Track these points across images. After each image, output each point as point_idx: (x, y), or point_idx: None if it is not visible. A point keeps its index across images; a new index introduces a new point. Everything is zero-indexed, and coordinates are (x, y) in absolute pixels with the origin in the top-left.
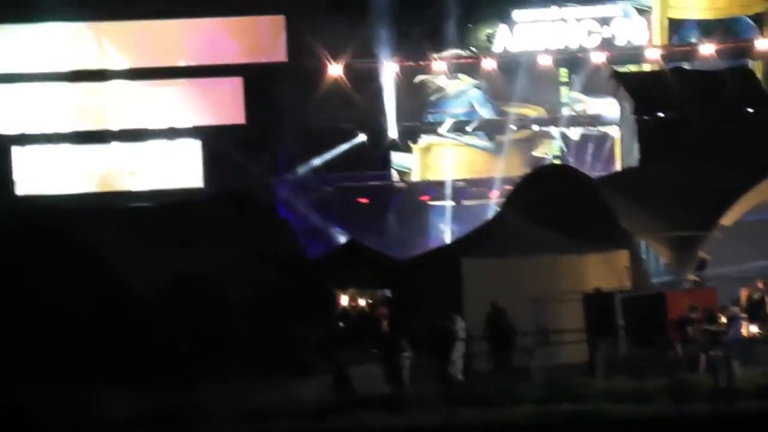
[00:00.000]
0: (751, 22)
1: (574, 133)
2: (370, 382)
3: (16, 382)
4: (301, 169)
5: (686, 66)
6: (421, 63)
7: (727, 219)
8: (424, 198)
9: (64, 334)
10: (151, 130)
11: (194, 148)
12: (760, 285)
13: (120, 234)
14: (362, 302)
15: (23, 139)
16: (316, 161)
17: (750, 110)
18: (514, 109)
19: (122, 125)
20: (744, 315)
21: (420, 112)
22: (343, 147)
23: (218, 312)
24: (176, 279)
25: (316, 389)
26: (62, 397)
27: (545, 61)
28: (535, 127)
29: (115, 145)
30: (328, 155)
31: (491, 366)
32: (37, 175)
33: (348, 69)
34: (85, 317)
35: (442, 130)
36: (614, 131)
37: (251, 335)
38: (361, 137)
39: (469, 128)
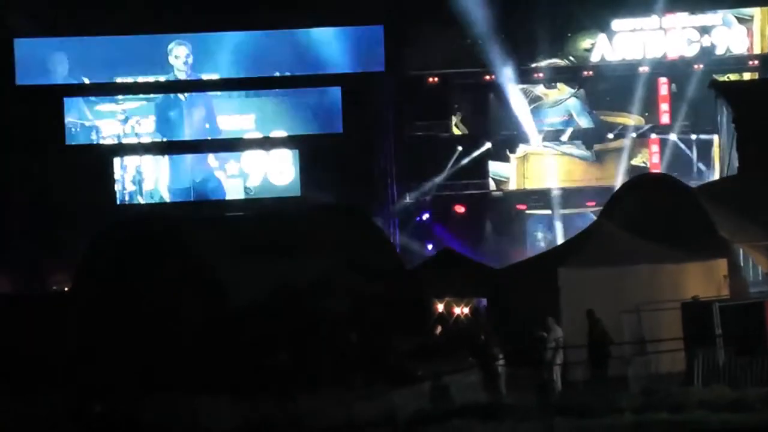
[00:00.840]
0: None
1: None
2: (468, 390)
3: (122, 391)
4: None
5: None
6: (521, 72)
7: None
8: (522, 207)
9: (167, 344)
10: (247, 139)
11: (291, 157)
12: None
13: (220, 243)
14: (458, 311)
15: (122, 150)
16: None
17: None
18: (613, 118)
19: (220, 135)
20: None
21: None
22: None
23: (318, 322)
24: (277, 289)
25: (413, 398)
26: (165, 407)
27: (644, 69)
28: (633, 136)
29: (212, 156)
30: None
31: (589, 375)
32: (137, 184)
33: (446, 78)
34: (188, 327)
35: (539, 139)
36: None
37: (350, 345)
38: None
39: (565, 137)
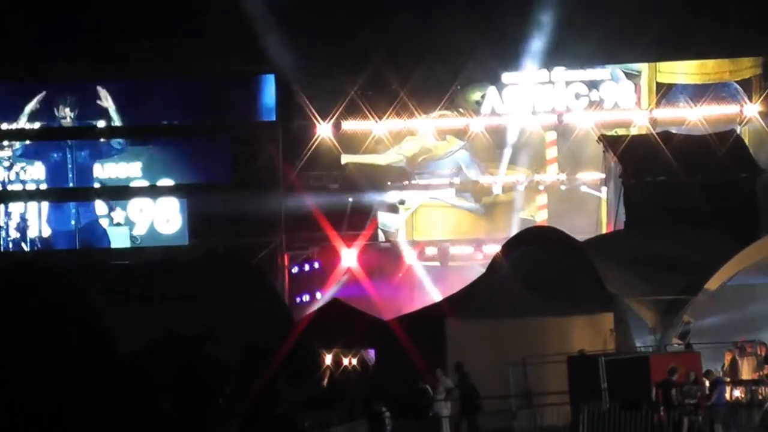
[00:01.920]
0: (739, 87)
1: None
2: None
3: None
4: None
5: (674, 130)
6: (409, 124)
7: (712, 283)
8: (411, 258)
9: (52, 393)
10: (134, 187)
11: (178, 205)
12: (735, 352)
13: (106, 291)
14: (346, 362)
15: (7, 196)
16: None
17: (737, 176)
18: (501, 171)
19: (106, 182)
20: (727, 379)
21: (407, 172)
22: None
23: (205, 370)
24: (162, 337)
25: None
26: None
27: (533, 123)
28: (521, 189)
29: (98, 203)
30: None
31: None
32: (21, 231)
33: (337, 129)
34: (70, 375)
35: (428, 191)
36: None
37: (237, 395)
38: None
39: (453, 190)
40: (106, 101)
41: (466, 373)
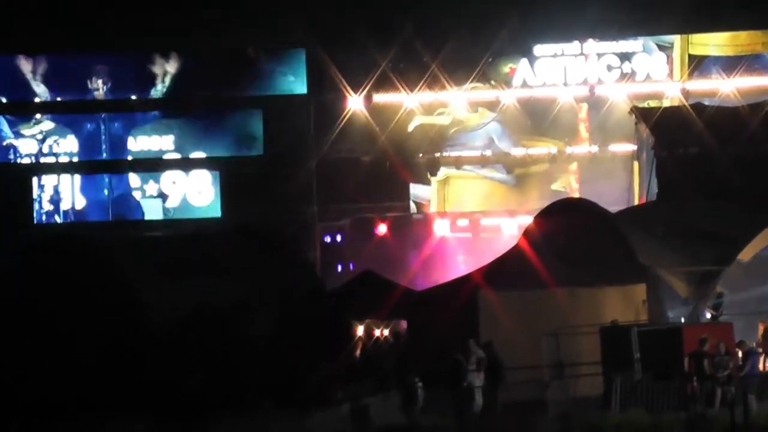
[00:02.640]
0: None
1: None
2: (388, 412)
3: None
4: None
5: (706, 102)
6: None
7: (745, 254)
8: (441, 230)
9: (87, 365)
10: (167, 160)
11: (211, 178)
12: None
13: (139, 264)
14: (378, 333)
15: (40, 169)
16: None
17: None
18: (533, 143)
19: (139, 155)
20: (760, 350)
21: (439, 144)
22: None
23: (237, 344)
24: (195, 310)
25: (333, 421)
26: (79, 429)
27: (565, 95)
28: (554, 161)
29: (132, 175)
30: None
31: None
32: (55, 204)
33: (368, 101)
34: (105, 348)
35: (460, 162)
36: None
37: (269, 367)
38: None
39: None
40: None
41: (489, 342)
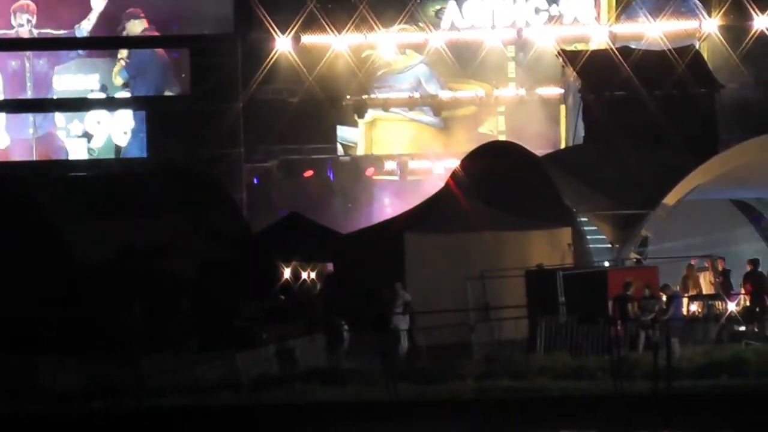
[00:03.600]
0: (698, 2)
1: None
2: (314, 354)
3: None
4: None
5: (633, 46)
6: (369, 37)
7: (670, 198)
8: (369, 172)
9: (13, 304)
10: (91, 99)
11: (137, 118)
12: (693, 262)
13: (63, 203)
14: (305, 275)
15: None
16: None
17: (696, 91)
18: (460, 85)
19: (64, 94)
20: (684, 294)
21: (366, 86)
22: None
23: (163, 284)
24: (121, 250)
25: (258, 362)
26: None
27: (493, 38)
28: (481, 103)
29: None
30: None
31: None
32: None
33: (296, 42)
34: (30, 287)
35: (387, 104)
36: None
37: (195, 308)
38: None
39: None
40: None
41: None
